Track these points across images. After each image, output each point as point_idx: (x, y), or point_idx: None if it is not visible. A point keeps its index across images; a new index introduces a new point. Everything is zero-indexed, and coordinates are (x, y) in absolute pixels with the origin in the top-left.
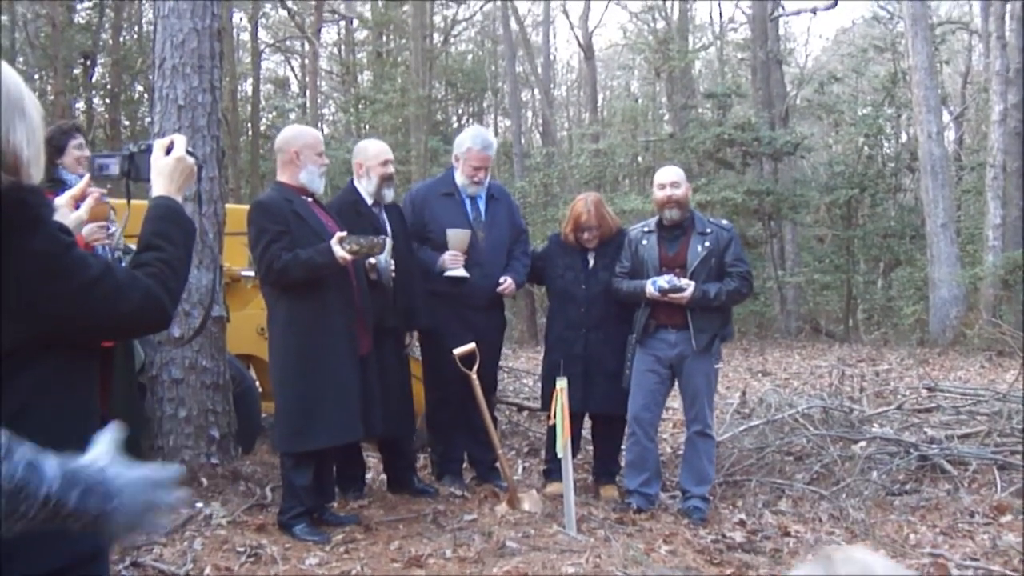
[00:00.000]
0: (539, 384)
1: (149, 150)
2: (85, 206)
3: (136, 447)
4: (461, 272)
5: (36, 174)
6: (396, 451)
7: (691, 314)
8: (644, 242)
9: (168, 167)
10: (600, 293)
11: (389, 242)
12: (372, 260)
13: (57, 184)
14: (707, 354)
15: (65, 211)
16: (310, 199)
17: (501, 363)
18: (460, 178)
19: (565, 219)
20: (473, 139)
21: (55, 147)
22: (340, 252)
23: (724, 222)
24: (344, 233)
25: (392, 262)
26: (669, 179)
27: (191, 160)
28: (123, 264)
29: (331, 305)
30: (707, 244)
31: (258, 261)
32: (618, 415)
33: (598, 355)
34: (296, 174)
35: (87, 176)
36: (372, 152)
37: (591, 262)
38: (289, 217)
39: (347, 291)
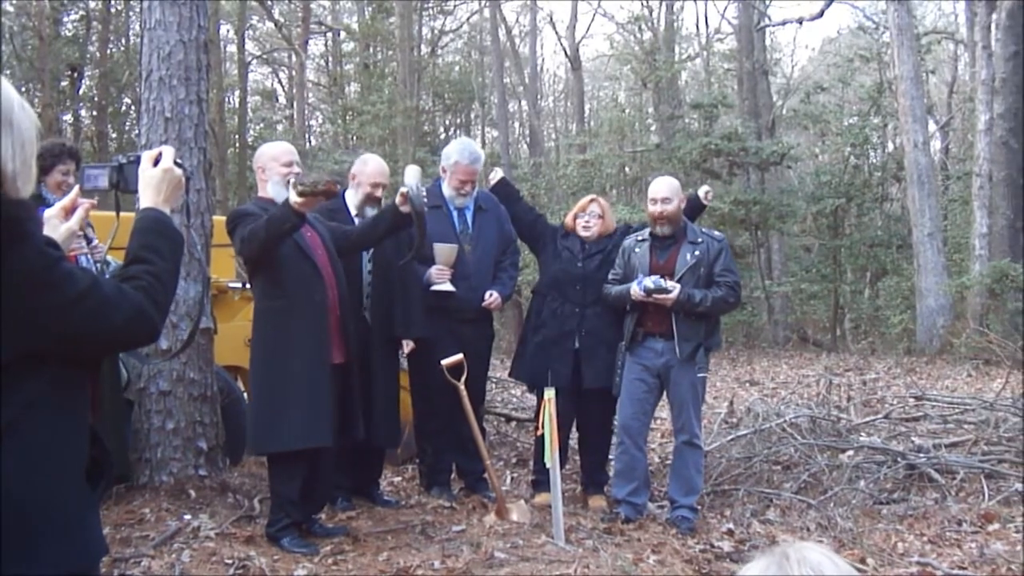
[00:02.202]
0: (528, 394)
1: (138, 161)
2: (76, 217)
3: (124, 462)
4: (447, 287)
5: (24, 188)
6: (364, 462)
7: (676, 323)
8: (637, 250)
9: (156, 179)
10: (595, 271)
11: (413, 168)
12: (403, 190)
13: (38, 201)
14: (692, 363)
15: (55, 222)
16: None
17: (489, 374)
18: (447, 190)
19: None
20: (460, 152)
21: (41, 166)
22: (292, 197)
23: (716, 233)
24: (293, 178)
25: (423, 189)
26: (661, 194)
27: (179, 172)
28: (107, 276)
29: (298, 309)
30: (696, 253)
31: (239, 249)
32: (610, 421)
33: (594, 328)
34: (265, 188)
35: (77, 187)
36: (369, 169)
37: (587, 246)
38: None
39: (319, 297)
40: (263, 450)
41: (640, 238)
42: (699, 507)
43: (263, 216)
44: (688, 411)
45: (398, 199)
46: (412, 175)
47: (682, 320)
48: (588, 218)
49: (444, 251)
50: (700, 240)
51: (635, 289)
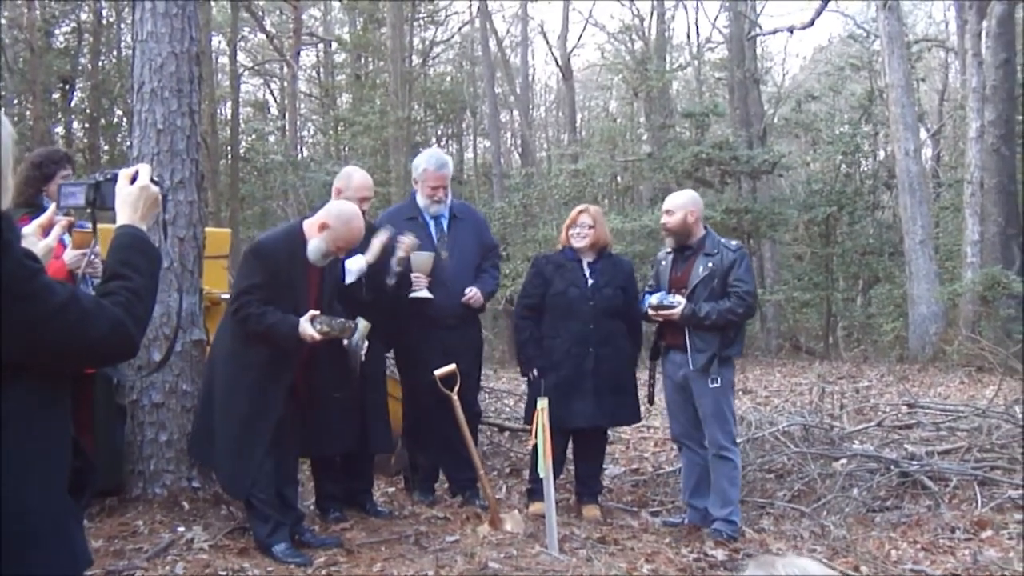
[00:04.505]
0: (522, 404)
1: (114, 179)
2: (53, 234)
3: (115, 474)
4: (425, 293)
5: (1, 199)
6: (355, 472)
7: (689, 335)
8: (663, 262)
9: (132, 196)
10: (604, 309)
11: (363, 324)
12: (345, 343)
13: (37, 210)
14: (706, 374)
15: (33, 239)
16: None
17: (482, 383)
18: (421, 200)
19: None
20: (428, 160)
21: (44, 175)
22: (309, 331)
23: (733, 243)
24: (316, 312)
25: (365, 343)
26: (665, 206)
27: (155, 188)
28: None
29: (268, 362)
30: (710, 265)
31: (233, 298)
32: (604, 431)
33: (607, 371)
34: (311, 234)
35: (53, 205)
36: (355, 183)
37: (590, 280)
38: (279, 272)
39: (294, 355)
40: (206, 465)
41: (667, 250)
42: (735, 520)
43: (284, 264)
44: (710, 423)
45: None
46: (361, 331)
47: (694, 332)
48: (579, 228)
49: (420, 259)
50: (716, 252)
51: (642, 307)
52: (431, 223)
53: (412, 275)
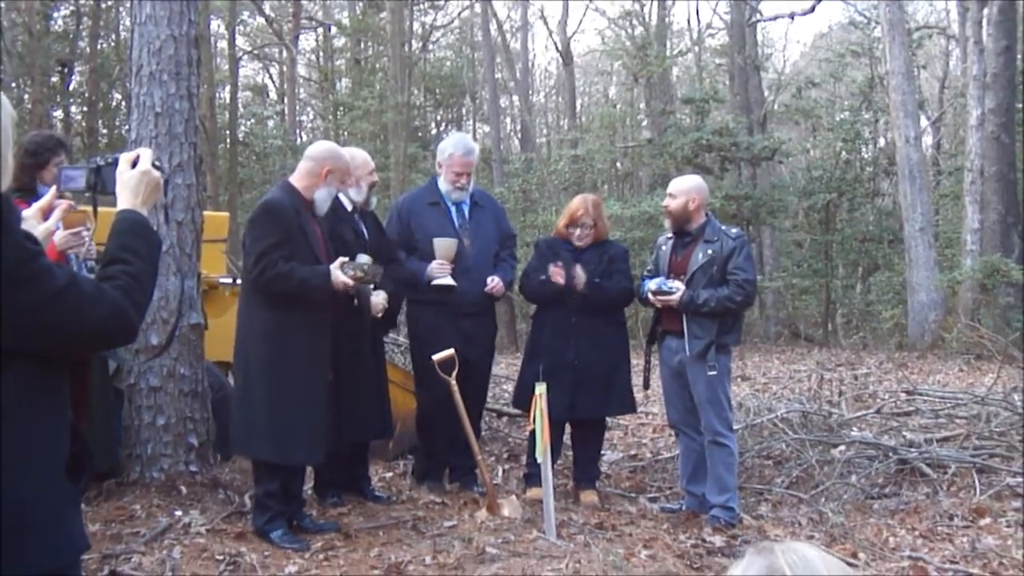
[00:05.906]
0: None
1: (115, 163)
2: (53, 217)
3: (113, 458)
4: (448, 280)
5: (1, 181)
6: (353, 457)
7: (687, 321)
8: (663, 247)
9: (133, 180)
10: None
11: (366, 258)
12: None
13: (32, 194)
14: (703, 361)
15: (33, 223)
16: (312, 215)
17: None
18: (444, 185)
19: (561, 216)
20: (455, 145)
21: (37, 162)
22: (341, 277)
23: (734, 231)
24: (344, 259)
25: (378, 298)
26: (669, 189)
27: (156, 173)
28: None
29: (306, 324)
30: (710, 252)
31: (254, 262)
32: (603, 418)
33: (587, 361)
34: (312, 189)
35: (53, 188)
36: (360, 161)
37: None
38: (293, 227)
39: (327, 313)
40: (254, 455)
41: (667, 235)
42: (734, 506)
43: (294, 217)
44: (706, 409)
45: (351, 290)
46: (364, 266)
47: (692, 319)
48: (580, 230)
49: (443, 245)
50: (716, 239)
51: (641, 291)
52: (452, 209)
53: (435, 262)
